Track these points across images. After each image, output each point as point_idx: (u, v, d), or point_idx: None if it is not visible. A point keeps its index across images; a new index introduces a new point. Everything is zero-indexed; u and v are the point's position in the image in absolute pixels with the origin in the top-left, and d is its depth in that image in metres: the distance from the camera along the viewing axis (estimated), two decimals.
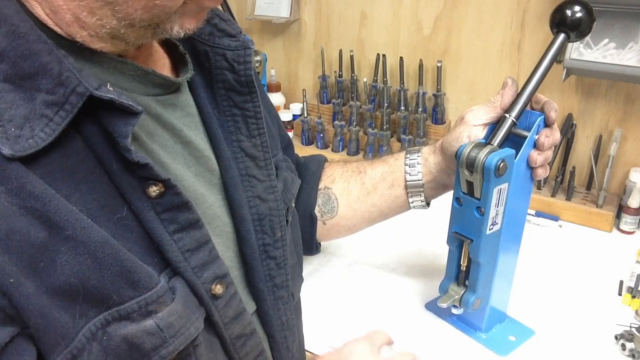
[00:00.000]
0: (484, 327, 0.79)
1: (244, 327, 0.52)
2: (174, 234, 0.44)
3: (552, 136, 0.70)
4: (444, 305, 0.76)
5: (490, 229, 0.70)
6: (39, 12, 0.40)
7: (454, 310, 0.78)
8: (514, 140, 0.71)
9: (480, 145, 0.68)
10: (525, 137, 0.70)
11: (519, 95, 0.70)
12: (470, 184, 0.69)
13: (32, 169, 0.37)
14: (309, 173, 0.80)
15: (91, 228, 0.39)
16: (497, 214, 0.70)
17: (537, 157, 0.70)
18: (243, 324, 0.51)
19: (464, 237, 0.73)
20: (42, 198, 0.37)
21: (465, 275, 0.76)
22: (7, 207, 0.36)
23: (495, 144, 0.68)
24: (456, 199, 0.72)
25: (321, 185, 0.81)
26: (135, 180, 0.41)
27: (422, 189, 0.77)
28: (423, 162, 0.77)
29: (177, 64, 0.54)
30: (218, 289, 0.48)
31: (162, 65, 0.53)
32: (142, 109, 0.41)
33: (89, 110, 0.39)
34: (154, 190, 0.42)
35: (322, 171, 0.82)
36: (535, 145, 0.71)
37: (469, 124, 0.73)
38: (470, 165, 0.67)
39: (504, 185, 0.68)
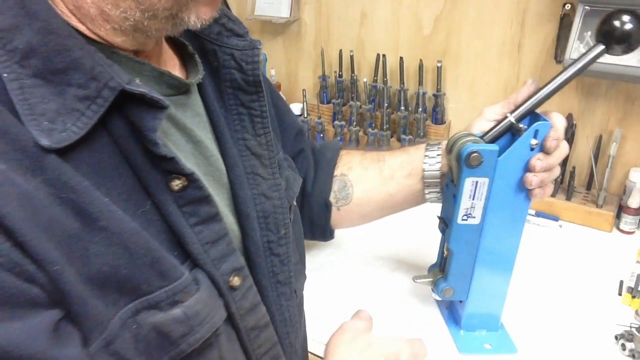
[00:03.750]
0: (463, 324, 0.80)
1: (258, 319, 0.53)
2: (194, 226, 0.45)
3: (544, 160, 0.67)
4: (417, 281, 0.79)
5: (463, 220, 0.70)
6: (63, 9, 0.41)
7: (434, 296, 0.80)
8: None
9: (468, 136, 0.68)
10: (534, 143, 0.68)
11: (528, 97, 0.68)
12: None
13: (65, 161, 0.38)
14: (325, 160, 0.80)
15: (123, 219, 0.40)
16: (472, 207, 0.70)
17: (532, 179, 0.67)
18: (258, 316, 0.53)
19: (444, 222, 0.74)
20: (77, 189, 0.38)
21: (445, 262, 0.78)
22: (45, 197, 0.36)
23: (485, 138, 0.68)
24: (447, 185, 0.73)
25: (337, 172, 0.81)
26: (158, 174, 0.43)
27: (438, 181, 0.77)
28: (443, 155, 0.77)
29: (186, 64, 0.55)
30: (235, 280, 0.49)
31: (173, 65, 0.53)
32: (169, 103, 0.42)
33: (116, 105, 0.40)
34: (176, 184, 0.43)
35: (338, 158, 0.82)
36: (529, 168, 0.68)
37: (485, 118, 0.73)
38: (450, 150, 0.69)
39: (483, 180, 0.68)
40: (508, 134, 0.71)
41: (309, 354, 0.74)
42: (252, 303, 0.52)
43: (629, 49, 0.62)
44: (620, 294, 0.90)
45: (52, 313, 0.37)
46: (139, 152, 0.42)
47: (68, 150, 0.38)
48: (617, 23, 0.61)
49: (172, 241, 0.44)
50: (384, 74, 1.36)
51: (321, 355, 0.78)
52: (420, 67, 1.31)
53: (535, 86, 0.70)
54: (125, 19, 0.41)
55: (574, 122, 1.17)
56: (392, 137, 1.35)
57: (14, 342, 0.33)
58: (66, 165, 0.38)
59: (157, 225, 0.43)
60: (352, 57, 1.39)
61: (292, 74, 1.58)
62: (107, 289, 0.39)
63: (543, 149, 0.67)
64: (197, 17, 0.44)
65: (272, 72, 1.52)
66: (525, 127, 0.67)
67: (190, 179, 0.44)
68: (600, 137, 1.15)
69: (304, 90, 1.40)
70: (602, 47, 0.63)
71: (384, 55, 1.36)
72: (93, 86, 0.39)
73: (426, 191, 0.78)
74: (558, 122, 0.67)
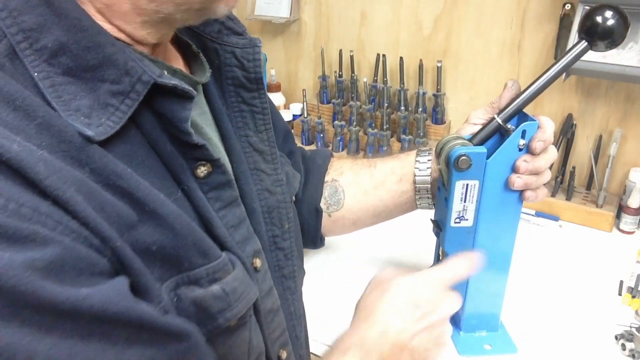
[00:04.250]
0: (462, 326, 0.80)
1: (273, 302, 0.54)
2: (218, 211, 0.47)
3: (531, 163, 0.66)
4: None
5: (456, 222, 0.70)
6: (89, 8, 0.41)
7: None
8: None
9: (457, 138, 0.68)
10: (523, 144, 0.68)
11: (513, 99, 0.68)
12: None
13: (107, 151, 0.39)
14: (315, 166, 0.80)
15: (166, 202, 0.41)
16: (465, 209, 0.69)
17: (515, 180, 0.66)
18: (272, 299, 0.54)
19: (438, 226, 0.74)
20: (123, 176, 0.39)
21: None
22: (94, 184, 0.37)
23: (474, 140, 0.68)
24: (438, 189, 0.74)
25: (328, 178, 0.81)
26: (184, 162, 0.44)
27: (429, 186, 0.77)
28: (433, 160, 0.77)
29: (189, 63, 0.56)
30: (257, 262, 0.51)
31: (178, 64, 0.54)
32: (196, 92, 0.43)
33: (144, 98, 0.41)
34: (202, 170, 0.45)
35: (329, 164, 0.83)
36: (514, 169, 0.68)
37: (470, 122, 0.74)
38: (439, 154, 0.69)
39: (473, 182, 0.67)
40: (497, 135, 0.70)
41: (310, 354, 0.74)
42: (269, 286, 0.54)
43: (612, 44, 0.61)
44: (620, 294, 0.90)
45: (124, 278, 0.38)
46: (167, 142, 0.43)
47: (105, 143, 0.39)
48: (599, 19, 0.60)
49: (201, 227, 0.46)
50: (384, 74, 1.36)
51: (321, 355, 0.78)
52: (420, 67, 1.31)
53: (516, 87, 0.69)
54: (156, 12, 0.42)
55: (574, 122, 1.17)
56: (392, 137, 1.35)
57: (108, 301, 0.35)
58: (109, 154, 0.39)
59: (189, 212, 0.45)
60: (352, 57, 1.39)
61: (292, 74, 1.58)
62: (153, 266, 0.41)
63: (529, 149, 0.67)
64: (226, 5, 0.45)
65: (272, 72, 1.52)
66: (514, 127, 0.67)
67: (216, 164, 0.46)
68: (600, 137, 1.15)
69: (304, 90, 1.40)
70: (585, 43, 0.63)
71: (384, 55, 1.36)
72: (126, 81, 0.40)
73: (417, 197, 0.79)
74: (546, 124, 0.67)
